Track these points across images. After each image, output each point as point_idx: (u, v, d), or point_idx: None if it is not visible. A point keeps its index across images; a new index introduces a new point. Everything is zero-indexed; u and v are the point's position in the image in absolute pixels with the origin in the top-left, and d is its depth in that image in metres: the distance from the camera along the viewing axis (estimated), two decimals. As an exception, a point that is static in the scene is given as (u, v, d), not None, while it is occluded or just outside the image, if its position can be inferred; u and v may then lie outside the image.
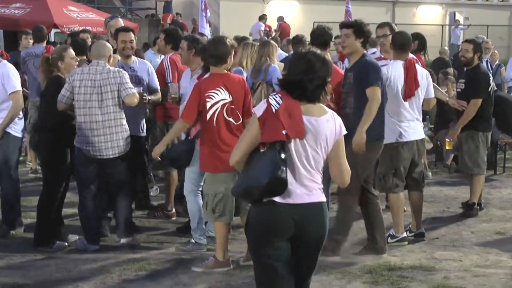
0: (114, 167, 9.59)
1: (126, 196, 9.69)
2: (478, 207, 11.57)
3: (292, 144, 5.56)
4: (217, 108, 8.68)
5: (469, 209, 11.50)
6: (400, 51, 9.85)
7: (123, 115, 9.60)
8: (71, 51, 10.15)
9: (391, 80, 9.56)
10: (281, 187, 5.43)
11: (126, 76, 9.52)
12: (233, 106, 8.84)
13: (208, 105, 8.65)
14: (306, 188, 5.64)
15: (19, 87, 10.46)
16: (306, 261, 5.84)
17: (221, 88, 8.72)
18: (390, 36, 10.49)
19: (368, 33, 9.44)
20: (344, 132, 5.83)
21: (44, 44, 13.18)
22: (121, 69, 9.56)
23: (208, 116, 8.67)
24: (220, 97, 8.71)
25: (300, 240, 5.69)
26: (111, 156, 9.48)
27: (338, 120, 5.79)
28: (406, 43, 9.98)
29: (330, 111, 5.78)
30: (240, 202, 8.59)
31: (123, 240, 9.64)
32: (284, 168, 5.40)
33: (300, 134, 5.54)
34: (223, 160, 7.95)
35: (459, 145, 11.72)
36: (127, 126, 9.64)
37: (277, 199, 5.51)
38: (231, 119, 8.80)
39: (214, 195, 8.79)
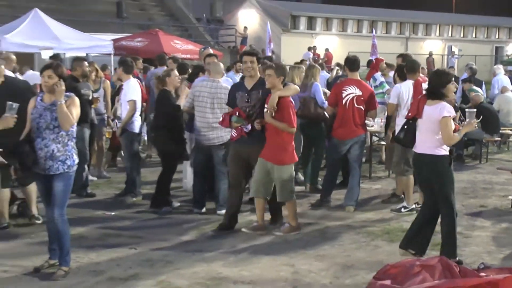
0: (217, 151, 9.57)
1: (223, 176, 9.61)
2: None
3: None
4: None
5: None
6: (410, 73, 9.82)
7: None
8: (175, 72, 10.25)
9: (402, 93, 9.59)
10: None
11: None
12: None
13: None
14: None
15: (134, 97, 10.55)
16: None
17: None
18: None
19: None
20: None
21: (165, 67, 13.24)
22: (228, 86, 9.51)
23: None
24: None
25: None
26: (216, 143, 9.52)
27: None
28: (416, 68, 9.95)
29: None
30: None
31: (219, 212, 9.56)
32: None
33: None
34: None
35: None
36: None
37: None
38: None
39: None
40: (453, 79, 7.63)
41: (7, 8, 28.27)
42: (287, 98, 8.45)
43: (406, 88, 9.72)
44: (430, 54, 38.11)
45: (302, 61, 16.90)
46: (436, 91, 7.42)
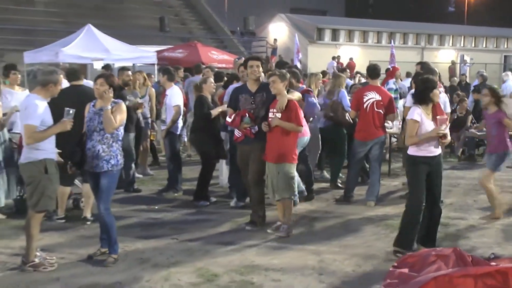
0: None
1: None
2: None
3: None
4: None
5: None
6: None
7: None
8: (211, 79, 10.30)
9: None
10: None
11: None
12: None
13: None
14: None
15: (179, 102, 10.65)
16: None
17: None
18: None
19: None
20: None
21: (201, 75, 13.32)
22: None
23: None
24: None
25: None
26: None
27: None
28: (433, 75, 9.83)
29: None
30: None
31: (232, 203, 9.63)
32: None
33: None
34: None
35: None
36: None
37: None
38: None
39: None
40: (437, 85, 7.53)
41: (63, 24, 28.61)
42: (294, 101, 8.19)
43: None
44: (453, 63, 37.65)
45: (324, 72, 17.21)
46: (422, 96, 7.33)
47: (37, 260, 6.80)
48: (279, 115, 8.02)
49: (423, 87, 7.40)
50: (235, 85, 10.14)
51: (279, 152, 8.05)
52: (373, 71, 10.34)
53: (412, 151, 7.35)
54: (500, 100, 9.12)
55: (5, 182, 8.94)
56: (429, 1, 61.99)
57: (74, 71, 9.26)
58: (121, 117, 6.98)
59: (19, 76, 10.27)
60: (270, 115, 8.11)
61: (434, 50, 43.59)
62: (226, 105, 9.41)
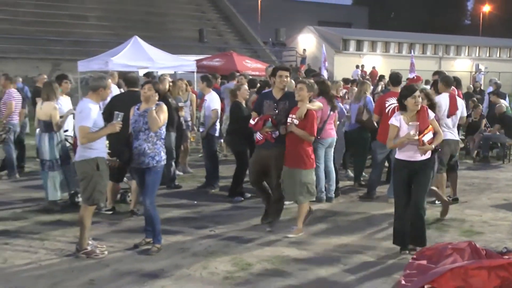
0: None
1: None
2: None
3: None
4: None
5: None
6: (446, 87, 9.57)
7: None
8: (245, 86, 10.33)
9: (441, 104, 9.27)
10: None
11: None
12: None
13: None
14: None
15: (217, 107, 10.71)
16: None
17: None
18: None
19: None
20: None
21: (235, 81, 13.34)
22: None
23: None
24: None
25: None
26: None
27: None
28: (450, 83, 9.70)
29: None
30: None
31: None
32: None
33: None
34: None
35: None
36: None
37: None
38: None
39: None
40: (415, 93, 6.93)
41: (113, 36, 28.96)
42: (313, 111, 7.90)
43: (443, 100, 9.45)
44: (476, 71, 37.21)
45: (353, 81, 17.05)
46: (399, 103, 7.08)
47: (89, 248, 6.90)
48: (296, 121, 7.76)
49: (400, 95, 7.15)
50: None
51: (296, 158, 7.77)
52: (395, 79, 10.26)
53: (396, 154, 7.18)
54: None
55: (61, 178, 9.10)
56: (447, 14, 61.38)
57: (133, 79, 9.34)
58: (164, 116, 7.04)
59: (70, 84, 10.40)
60: (288, 120, 7.84)
61: (451, 60, 43.16)
62: None
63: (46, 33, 28.36)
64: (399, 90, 10.15)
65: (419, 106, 6.95)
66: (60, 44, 27.63)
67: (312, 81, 8.50)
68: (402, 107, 7.03)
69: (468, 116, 14.42)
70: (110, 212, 8.85)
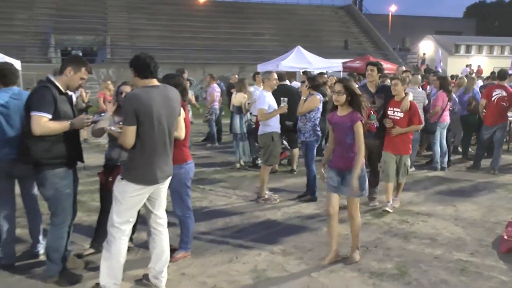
0: None
1: None
2: None
3: None
4: None
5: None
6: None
7: None
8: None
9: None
10: None
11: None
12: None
13: None
14: None
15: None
16: None
17: None
18: None
19: None
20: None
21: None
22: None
23: None
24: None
25: None
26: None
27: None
28: None
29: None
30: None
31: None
32: None
33: None
34: None
35: None
36: None
37: None
38: None
39: None
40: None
41: (282, 47, 28.76)
42: (414, 103, 6.50)
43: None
44: None
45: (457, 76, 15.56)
46: None
47: (266, 196, 6.99)
48: (400, 114, 6.43)
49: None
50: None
51: (399, 146, 6.43)
52: (502, 74, 9.24)
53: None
54: None
55: (248, 147, 9.32)
56: (546, 21, 53.97)
57: (281, 75, 8.93)
58: (310, 105, 6.86)
59: (260, 77, 10.22)
60: (390, 113, 6.49)
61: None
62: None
63: (236, 46, 29.41)
64: (505, 83, 9.24)
65: None
66: (245, 53, 28.63)
67: (404, 75, 7.72)
68: None
69: None
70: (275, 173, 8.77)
